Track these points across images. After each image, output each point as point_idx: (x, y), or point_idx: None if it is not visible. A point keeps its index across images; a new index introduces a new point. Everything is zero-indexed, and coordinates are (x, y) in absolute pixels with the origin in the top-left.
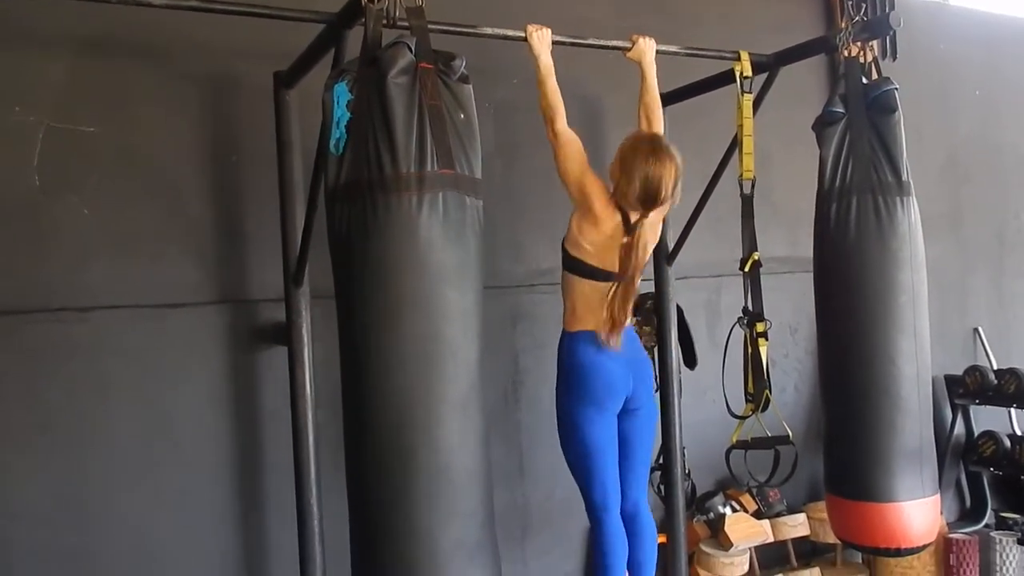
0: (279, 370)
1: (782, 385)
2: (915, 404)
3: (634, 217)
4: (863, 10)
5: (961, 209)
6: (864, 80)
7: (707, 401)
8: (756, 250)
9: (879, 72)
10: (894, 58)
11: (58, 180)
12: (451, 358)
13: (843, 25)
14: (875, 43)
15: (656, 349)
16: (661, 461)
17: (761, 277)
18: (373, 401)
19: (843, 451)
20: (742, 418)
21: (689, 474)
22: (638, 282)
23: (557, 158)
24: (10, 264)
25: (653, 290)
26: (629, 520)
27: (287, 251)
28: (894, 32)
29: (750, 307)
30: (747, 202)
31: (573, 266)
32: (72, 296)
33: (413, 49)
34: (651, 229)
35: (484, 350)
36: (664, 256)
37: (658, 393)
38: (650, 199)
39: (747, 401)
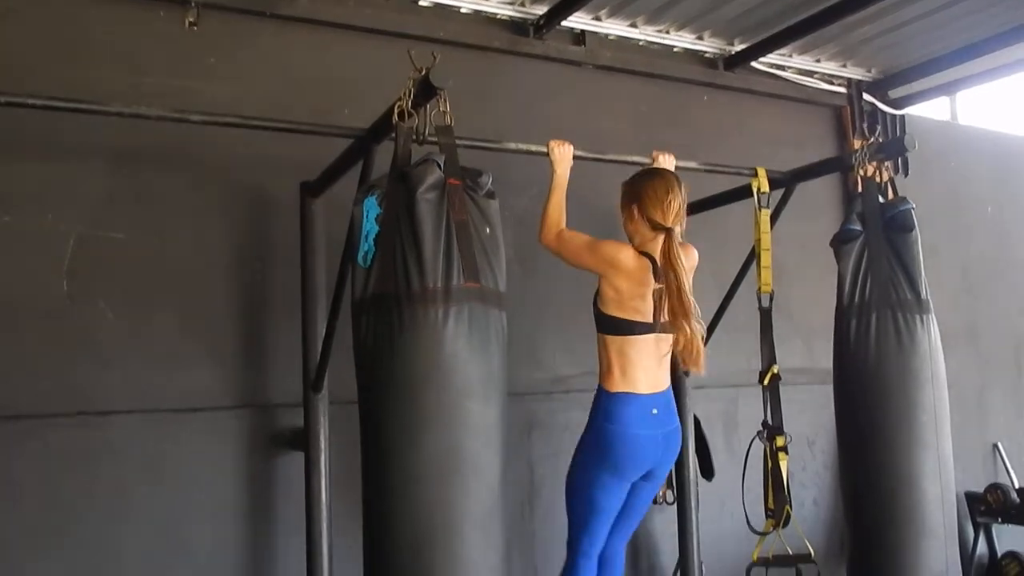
0: (295, 477)
1: (801, 499)
2: (939, 525)
3: (657, 246)
4: (877, 132)
5: (977, 323)
6: (881, 199)
7: (724, 513)
8: (775, 363)
9: (895, 191)
10: (906, 175)
11: (86, 286)
12: (473, 473)
13: (858, 145)
14: (889, 163)
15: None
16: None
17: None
18: (394, 514)
19: (868, 573)
20: (763, 534)
21: None
22: (685, 286)
23: (567, 257)
24: (35, 367)
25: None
26: (606, 559)
27: (307, 357)
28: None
29: (769, 420)
30: (766, 315)
31: (610, 325)
32: (93, 400)
33: (441, 166)
34: (684, 251)
35: (507, 463)
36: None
37: (675, 504)
38: (662, 207)
39: (767, 517)
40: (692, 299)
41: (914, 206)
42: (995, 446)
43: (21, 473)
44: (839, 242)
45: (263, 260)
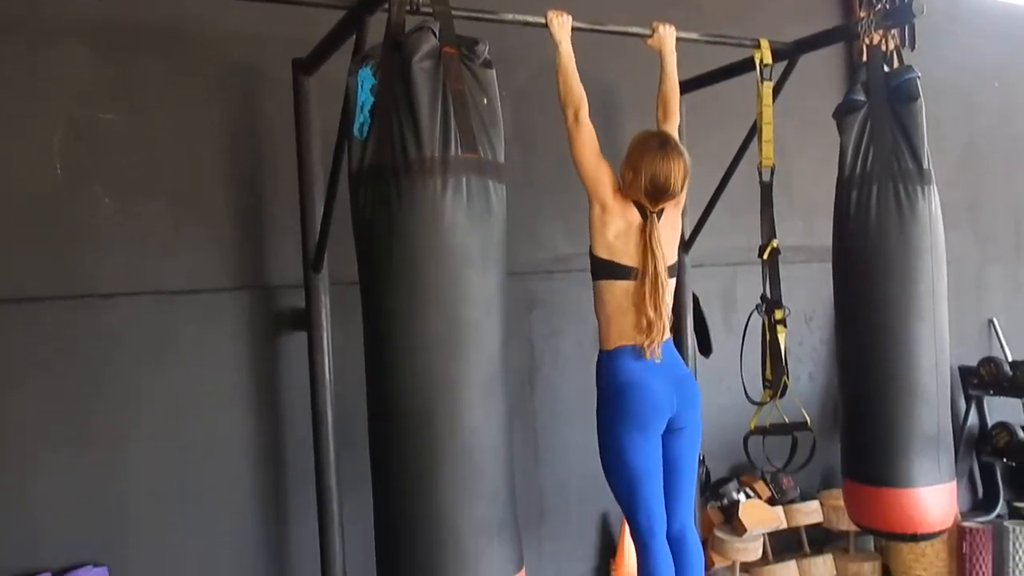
0: (299, 355)
1: (797, 374)
2: (933, 392)
3: (648, 209)
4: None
5: (979, 199)
6: (885, 68)
7: (722, 388)
8: (775, 238)
9: (901, 60)
10: (912, 47)
11: (80, 169)
12: (475, 342)
13: (863, 14)
14: (895, 32)
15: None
16: None
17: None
18: (397, 385)
19: (861, 438)
20: (760, 404)
21: (704, 461)
22: (665, 280)
23: (574, 146)
24: (34, 251)
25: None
26: (675, 543)
27: (306, 237)
28: (914, 22)
29: (768, 294)
30: (766, 190)
31: (602, 269)
32: (94, 283)
33: (437, 34)
34: (668, 224)
35: (507, 334)
36: (680, 243)
37: None
38: (658, 192)
39: (765, 388)
40: (665, 288)
41: (919, 75)
42: (990, 321)
43: (24, 357)
44: (842, 113)
45: (258, 139)
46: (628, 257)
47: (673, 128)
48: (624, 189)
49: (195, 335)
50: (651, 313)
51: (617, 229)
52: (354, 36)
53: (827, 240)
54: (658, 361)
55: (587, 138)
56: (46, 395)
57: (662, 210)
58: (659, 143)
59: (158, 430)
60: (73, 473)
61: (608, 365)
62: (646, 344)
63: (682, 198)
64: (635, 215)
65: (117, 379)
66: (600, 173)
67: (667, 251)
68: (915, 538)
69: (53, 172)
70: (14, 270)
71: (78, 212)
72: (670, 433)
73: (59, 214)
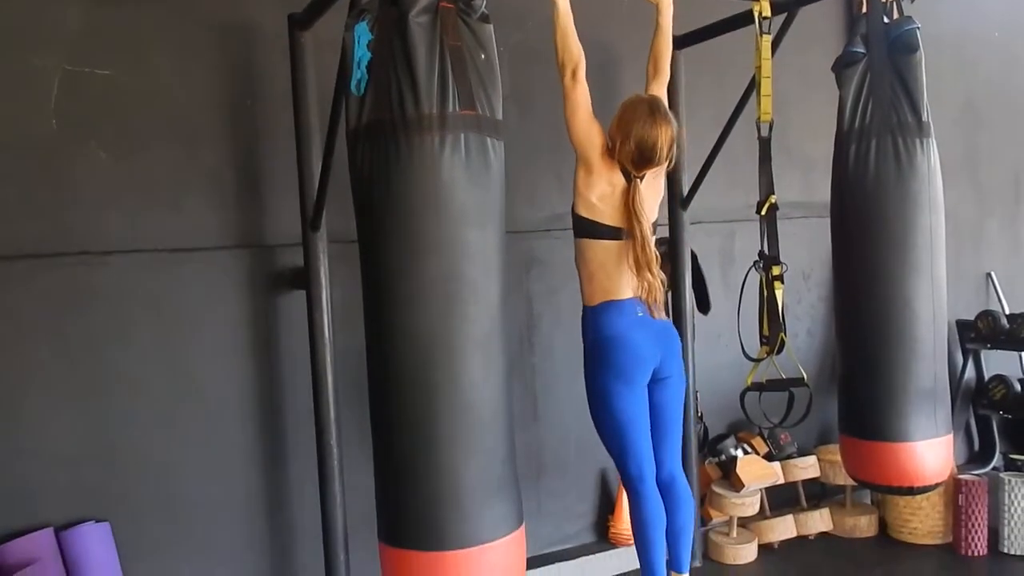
0: (298, 314)
1: (795, 331)
2: (930, 346)
3: (632, 173)
4: None
5: (977, 153)
6: (885, 19)
7: (720, 346)
8: (773, 193)
9: (900, 11)
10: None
11: (76, 125)
12: (473, 297)
13: None
14: None
15: (670, 294)
16: None
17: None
18: (396, 340)
19: (858, 392)
20: (757, 360)
21: (702, 417)
22: (648, 238)
23: (568, 105)
24: (31, 208)
25: (667, 235)
26: (665, 489)
27: (304, 195)
28: None
29: (766, 250)
30: (764, 145)
31: (585, 228)
32: (92, 240)
33: None
34: (651, 188)
35: (506, 290)
36: (678, 201)
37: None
38: (644, 160)
39: (762, 344)
40: (654, 250)
41: (919, 26)
42: (988, 275)
43: (23, 315)
44: (841, 66)
45: (254, 96)
46: (609, 217)
47: (662, 86)
48: (612, 151)
49: (194, 293)
50: (648, 276)
51: (602, 191)
52: None
53: (826, 196)
54: (640, 315)
55: (581, 99)
56: (47, 352)
57: (644, 175)
58: (648, 110)
59: (158, 387)
60: (74, 429)
61: (592, 320)
62: (650, 302)
63: (668, 165)
64: (619, 179)
65: (117, 336)
66: (592, 134)
67: (648, 213)
68: (912, 491)
69: (50, 128)
70: (13, 227)
71: (75, 168)
72: (655, 383)
73: (56, 170)
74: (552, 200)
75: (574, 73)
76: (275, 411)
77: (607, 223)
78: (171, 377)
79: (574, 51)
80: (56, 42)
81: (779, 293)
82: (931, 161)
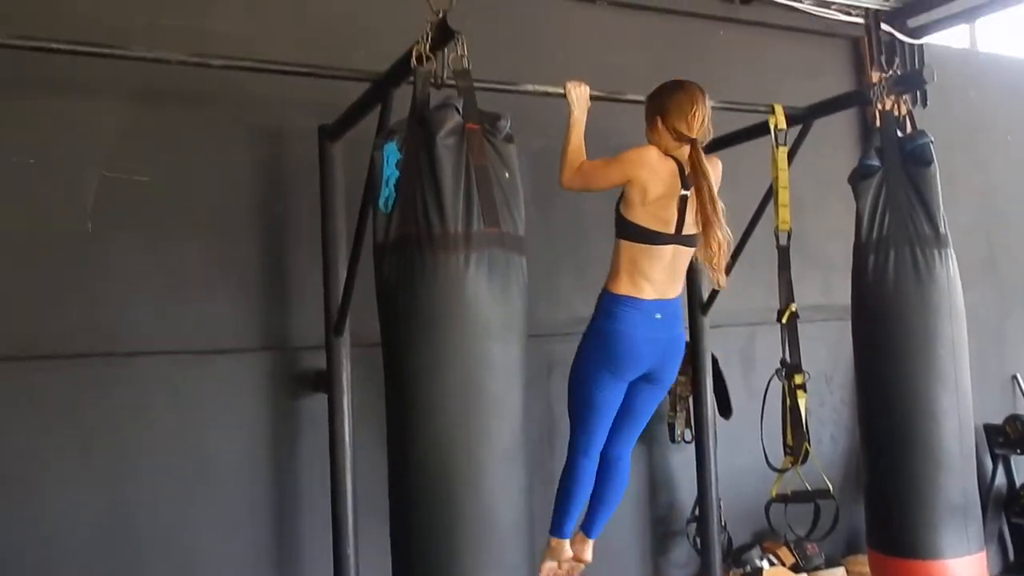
0: (319, 418)
1: (819, 435)
2: (957, 459)
3: (683, 154)
4: (896, 64)
5: (995, 254)
6: (899, 133)
7: (743, 451)
8: (793, 301)
9: (914, 125)
10: (924, 106)
11: (110, 227)
12: (495, 411)
13: (876, 78)
14: (907, 95)
15: (691, 399)
16: (697, 513)
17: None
18: (417, 451)
19: (886, 507)
20: (781, 471)
21: (725, 526)
22: (715, 192)
23: (594, 182)
24: (61, 308)
25: (688, 339)
26: (610, 464)
27: (329, 300)
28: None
29: (788, 359)
30: (783, 253)
31: (629, 231)
32: (118, 341)
33: (460, 110)
34: (709, 163)
35: (528, 403)
36: (698, 305)
37: (693, 442)
38: (687, 119)
39: (785, 454)
40: (722, 205)
41: (932, 140)
42: (1014, 377)
43: (48, 413)
44: (857, 178)
45: (284, 203)
46: (660, 222)
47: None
48: (656, 143)
49: (217, 392)
50: (718, 233)
51: (661, 191)
52: (379, 106)
53: (845, 298)
54: (658, 317)
55: (596, 167)
56: (68, 448)
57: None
58: (673, 81)
59: (179, 486)
60: (94, 522)
61: (608, 306)
62: (714, 264)
63: (709, 130)
64: (674, 170)
65: (140, 430)
66: (629, 157)
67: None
68: None
69: (85, 230)
70: (44, 326)
71: (107, 268)
72: (643, 380)
73: (88, 271)
74: (574, 303)
75: (580, 167)
76: (293, 515)
77: (658, 229)
78: (190, 479)
79: (575, 154)
80: (97, 147)
81: (802, 402)
82: (950, 271)
